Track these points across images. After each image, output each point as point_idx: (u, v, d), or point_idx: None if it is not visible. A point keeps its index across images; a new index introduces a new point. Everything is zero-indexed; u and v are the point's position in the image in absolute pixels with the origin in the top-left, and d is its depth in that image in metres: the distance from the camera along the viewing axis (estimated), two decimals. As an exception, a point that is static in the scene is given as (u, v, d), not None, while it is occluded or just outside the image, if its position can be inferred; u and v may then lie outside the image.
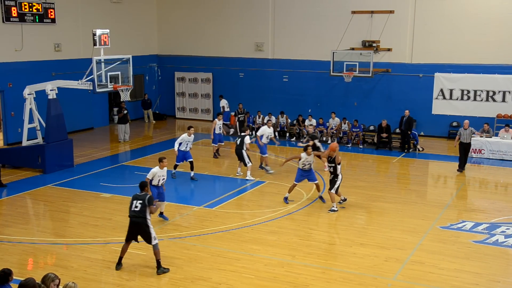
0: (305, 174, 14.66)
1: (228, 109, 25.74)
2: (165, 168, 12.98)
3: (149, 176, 12.76)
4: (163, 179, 12.99)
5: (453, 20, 22.82)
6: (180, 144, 16.60)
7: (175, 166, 17.04)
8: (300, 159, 14.60)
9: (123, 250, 10.65)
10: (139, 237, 10.54)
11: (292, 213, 14.02)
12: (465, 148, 18.18)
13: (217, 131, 19.56)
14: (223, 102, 25.85)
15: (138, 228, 10.39)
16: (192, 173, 16.90)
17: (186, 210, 14.20)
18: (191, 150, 17.09)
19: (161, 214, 13.28)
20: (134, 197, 10.49)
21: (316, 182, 14.76)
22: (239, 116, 24.40)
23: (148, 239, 10.40)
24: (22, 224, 13.20)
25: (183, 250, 11.53)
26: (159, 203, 12.73)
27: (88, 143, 22.42)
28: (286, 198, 14.83)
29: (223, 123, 20.91)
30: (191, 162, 16.87)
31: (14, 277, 7.96)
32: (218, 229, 12.85)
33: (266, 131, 18.08)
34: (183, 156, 16.76)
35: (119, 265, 10.63)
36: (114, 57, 17.86)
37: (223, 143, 20.14)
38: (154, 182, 12.81)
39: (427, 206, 14.83)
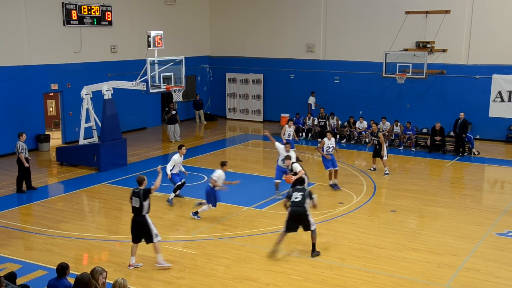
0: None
1: (314, 107, 25.34)
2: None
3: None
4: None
5: (513, 19, 22.06)
6: (173, 167, 14.59)
7: (175, 190, 14.88)
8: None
9: (280, 240, 11.22)
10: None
11: (342, 216, 13.89)
12: None
13: (286, 137, 18.70)
14: (312, 100, 25.61)
15: (299, 217, 11.05)
16: (172, 195, 14.72)
17: (236, 211, 14.30)
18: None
19: None
20: (294, 190, 11.25)
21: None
22: (319, 120, 22.86)
23: (308, 226, 11.14)
24: (78, 220, 13.65)
25: (232, 250, 11.61)
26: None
27: (141, 142, 22.93)
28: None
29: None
30: (183, 183, 14.88)
31: (70, 272, 8.26)
32: (267, 230, 12.87)
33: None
34: (179, 178, 14.84)
35: (274, 252, 11.16)
36: (167, 58, 18.17)
37: (294, 149, 18.96)
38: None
39: (483, 211, 14.36)
